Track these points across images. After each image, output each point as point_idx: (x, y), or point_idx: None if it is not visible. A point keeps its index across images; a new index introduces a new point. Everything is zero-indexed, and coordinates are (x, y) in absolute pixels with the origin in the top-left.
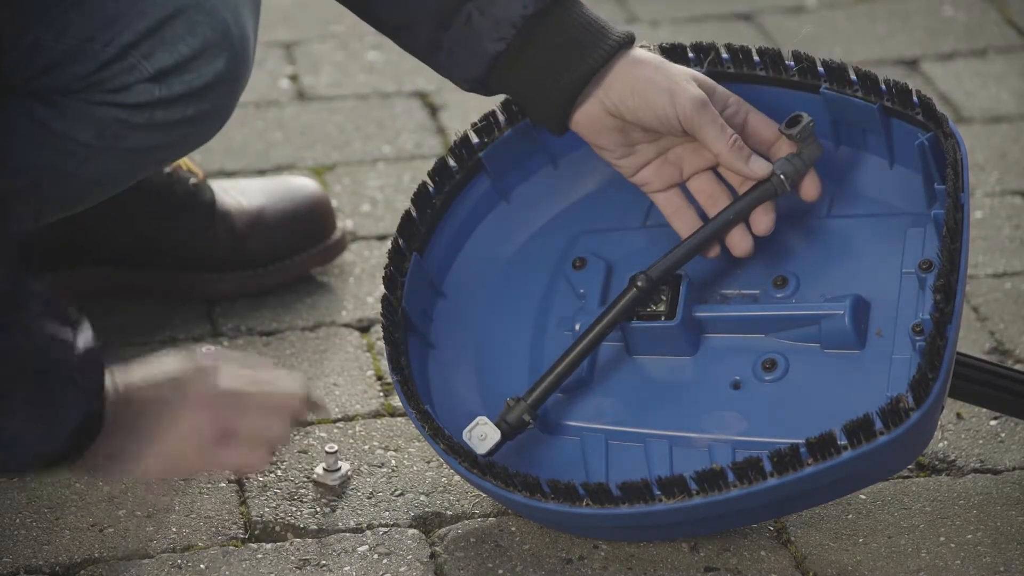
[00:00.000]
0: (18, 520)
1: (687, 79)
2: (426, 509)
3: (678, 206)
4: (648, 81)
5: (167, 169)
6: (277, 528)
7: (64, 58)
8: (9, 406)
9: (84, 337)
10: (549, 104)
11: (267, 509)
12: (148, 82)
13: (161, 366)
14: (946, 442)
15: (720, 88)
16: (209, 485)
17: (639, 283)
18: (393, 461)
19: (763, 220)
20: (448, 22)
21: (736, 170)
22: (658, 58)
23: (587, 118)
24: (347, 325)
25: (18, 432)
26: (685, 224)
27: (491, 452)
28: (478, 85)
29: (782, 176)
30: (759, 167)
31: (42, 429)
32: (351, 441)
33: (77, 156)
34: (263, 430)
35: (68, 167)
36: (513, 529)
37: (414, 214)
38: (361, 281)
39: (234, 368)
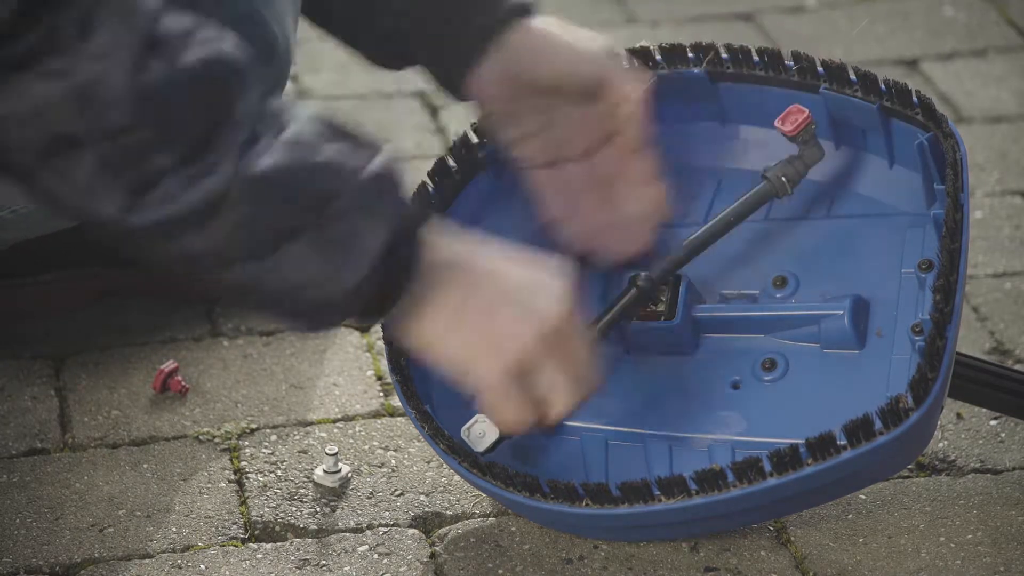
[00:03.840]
0: (18, 520)
1: (591, 38)
2: (426, 509)
3: (553, 184)
4: (552, 38)
5: None
6: (277, 528)
7: None
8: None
9: (378, 159)
10: (450, 68)
11: (267, 509)
12: None
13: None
14: (946, 442)
15: (619, 62)
16: (209, 485)
17: (639, 283)
18: (393, 461)
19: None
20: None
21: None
22: (563, 23)
23: (482, 84)
24: (347, 325)
25: (316, 268)
26: (555, 206)
27: (489, 450)
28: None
29: (783, 178)
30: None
31: (339, 260)
32: (351, 441)
33: None
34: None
35: None
36: (513, 529)
37: None
38: None
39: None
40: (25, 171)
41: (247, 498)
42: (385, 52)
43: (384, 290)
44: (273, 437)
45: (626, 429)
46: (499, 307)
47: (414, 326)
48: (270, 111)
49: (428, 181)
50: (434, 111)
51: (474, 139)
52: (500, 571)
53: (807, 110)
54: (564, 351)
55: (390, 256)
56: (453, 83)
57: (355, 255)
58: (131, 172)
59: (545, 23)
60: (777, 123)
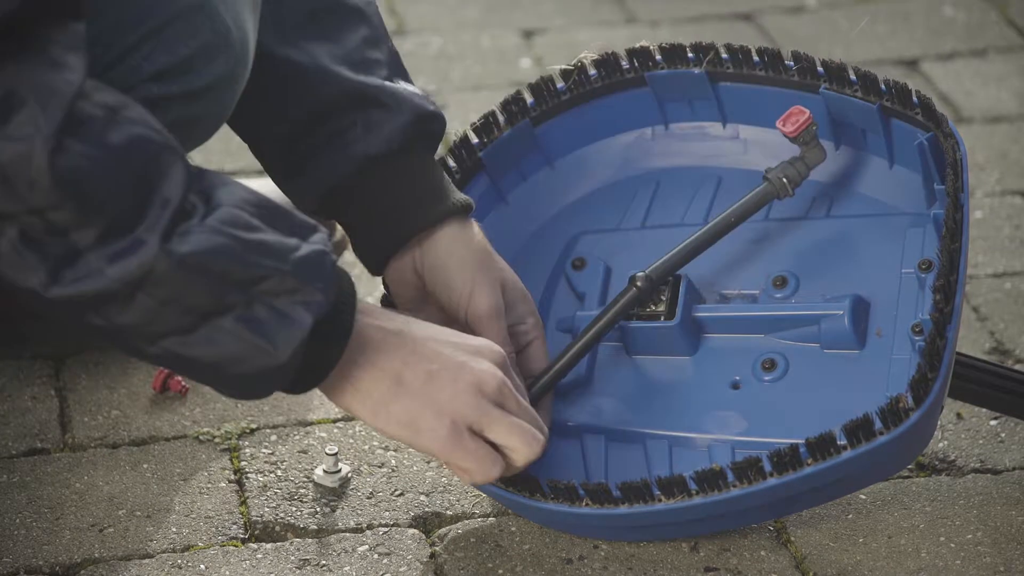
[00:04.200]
0: (18, 520)
1: (494, 282)
2: (426, 509)
3: None
4: (461, 263)
5: None
6: (277, 528)
7: None
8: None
9: (310, 241)
10: (372, 247)
11: (267, 509)
12: (148, 82)
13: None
14: (946, 442)
15: (530, 298)
16: (209, 485)
17: (639, 283)
18: (393, 461)
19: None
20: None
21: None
22: (482, 244)
23: (397, 270)
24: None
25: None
26: None
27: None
28: (313, 207)
29: (784, 179)
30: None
31: (267, 338)
32: (351, 441)
33: None
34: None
35: None
36: (513, 529)
37: None
38: (361, 282)
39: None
40: None
41: (247, 498)
42: (318, 207)
43: (314, 365)
44: (273, 437)
45: (626, 429)
46: (436, 372)
47: (350, 399)
48: (201, 189)
49: None
50: None
51: (474, 139)
52: (500, 571)
53: (808, 111)
54: (508, 405)
55: (318, 335)
56: (369, 261)
57: (283, 335)
58: (52, 247)
59: (468, 239)
60: (779, 124)
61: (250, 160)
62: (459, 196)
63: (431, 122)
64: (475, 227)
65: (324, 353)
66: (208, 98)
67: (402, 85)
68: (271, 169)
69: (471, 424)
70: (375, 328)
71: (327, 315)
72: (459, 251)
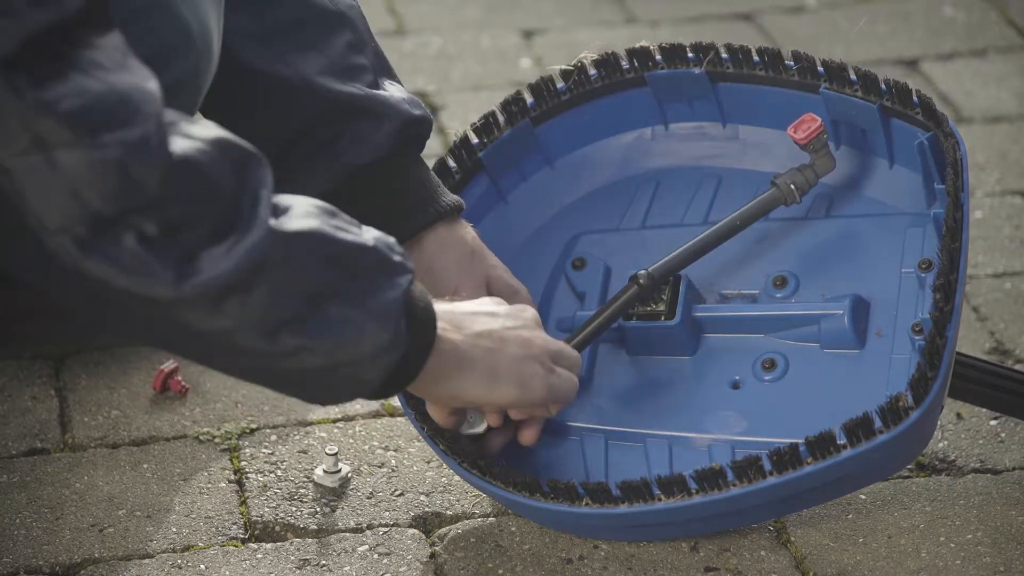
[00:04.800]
0: (18, 520)
1: (478, 280)
2: (426, 509)
3: None
4: (445, 265)
5: None
6: (277, 528)
7: None
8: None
9: (368, 229)
10: None
11: (267, 509)
12: None
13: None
14: (946, 442)
15: (523, 292)
16: (209, 485)
17: (641, 280)
18: (393, 461)
19: (528, 434)
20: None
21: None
22: (468, 244)
23: None
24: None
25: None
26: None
27: (478, 437)
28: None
29: (792, 186)
30: (528, 436)
31: (369, 315)
32: (351, 441)
33: None
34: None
35: None
36: (513, 529)
37: None
38: None
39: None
40: (69, 258)
41: (247, 498)
42: None
43: (415, 338)
44: (273, 437)
45: (626, 429)
46: (510, 331)
47: (456, 378)
48: (274, 185)
49: None
50: (434, 111)
51: (474, 139)
52: (500, 571)
53: (820, 119)
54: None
55: (411, 306)
56: None
57: (386, 305)
58: (171, 248)
59: (458, 239)
60: (790, 131)
61: None
62: (447, 199)
63: (418, 127)
64: (463, 228)
65: (422, 325)
66: (172, 96)
67: (388, 89)
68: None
69: (552, 355)
70: (438, 306)
71: (413, 284)
72: (444, 253)
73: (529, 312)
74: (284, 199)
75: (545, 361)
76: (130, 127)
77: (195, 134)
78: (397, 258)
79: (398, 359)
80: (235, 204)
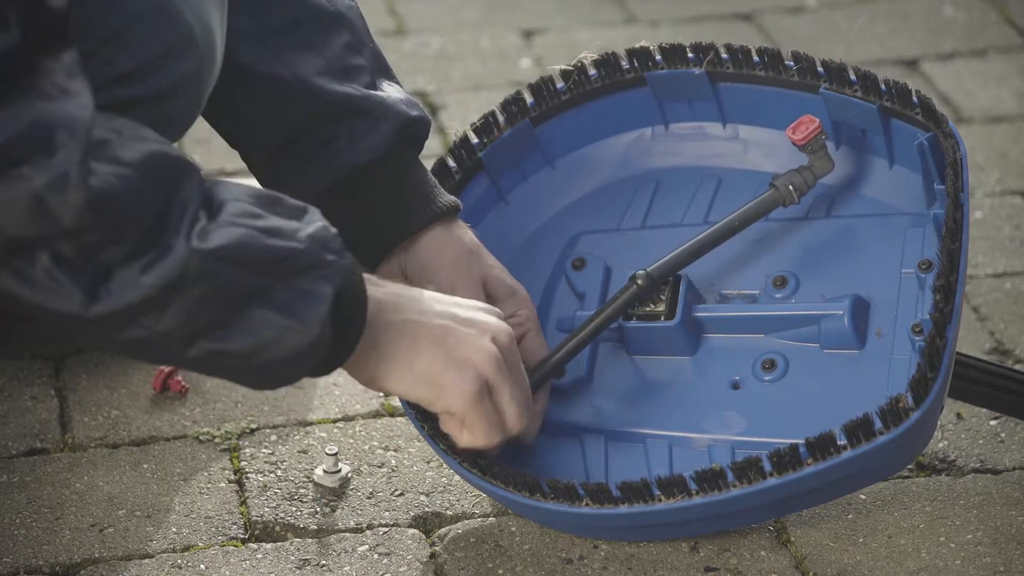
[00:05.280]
0: (18, 520)
1: (475, 280)
2: (426, 509)
3: None
4: (440, 265)
5: None
6: (277, 528)
7: None
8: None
9: (313, 219)
10: (358, 253)
11: (267, 509)
12: (113, 85)
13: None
14: (946, 442)
15: (520, 292)
16: (209, 485)
17: (640, 280)
18: (393, 461)
19: (528, 430)
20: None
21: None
22: (465, 244)
23: (384, 274)
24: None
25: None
26: None
27: None
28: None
29: (791, 187)
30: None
31: (296, 315)
32: (351, 441)
33: None
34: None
35: None
36: (513, 529)
37: None
38: None
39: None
40: None
41: (247, 498)
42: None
43: (341, 337)
44: (273, 437)
45: (626, 429)
46: (451, 327)
47: (374, 366)
48: (206, 191)
49: None
50: (434, 111)
51: (474, 139)
52: (500, 571)
53: (818, 120)
54: (514, 371)
55: (341, 304)
56: (363, 258)
57: (309, 309)
58: (85, 268)
59: (454, 239)
60: (788, 132)
61: None
62: (443, 200)
63: (415, 127)
64: (460, 228)
65: (348, 323)
66: (176, 98)
67: (385, 90)
68: (259, 177)
69: (489, 379)
70: (384, 292)
71: (343, 285)
72: (440, 254)
73: (495, 323)
74: (218, 192)
75: (483, 375)
76: (51, 160)
77: (123, 157)
78: (330, 257)
79: (323, 357)
80: (155, 225)
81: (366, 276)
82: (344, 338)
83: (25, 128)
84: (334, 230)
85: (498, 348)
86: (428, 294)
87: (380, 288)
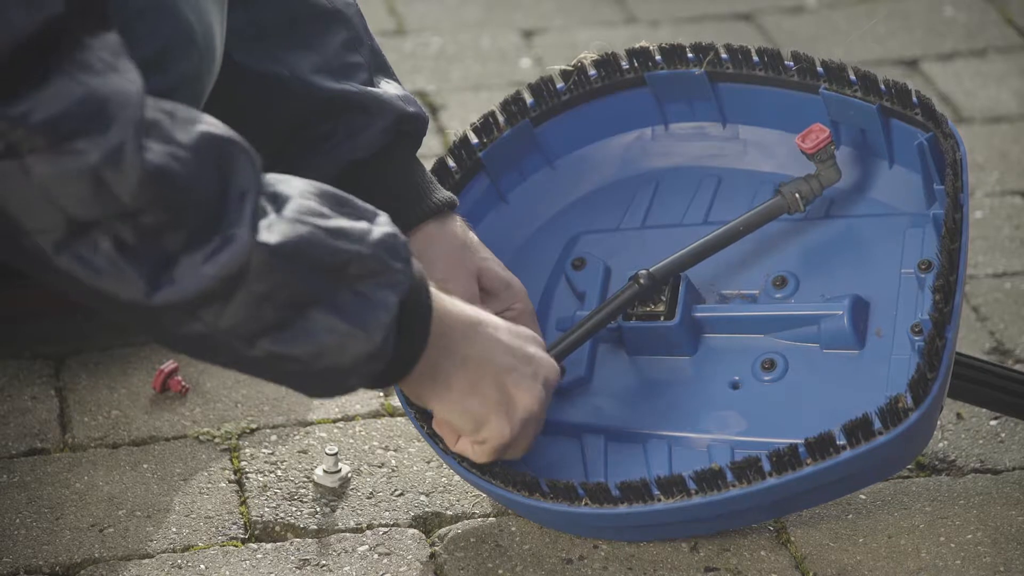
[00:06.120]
0: (18, 520)
1: (469, 274)
2: (426, 509)
3: None
4: (433, 260)
5: None
6: (277, 528)
7: None
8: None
9: (380, 223)
10: None
11: (267, 509)
12: None
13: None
14: (946, 442)
15: (516, 285)
16: (209, 485)
17: (641, 279)
18: (393, 461)
19: None
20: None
21: None
22: (459, 239)
23: None
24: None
25: (334, 334)
26: None
27: None
28: None
29: (797, 195)
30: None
31: (360, 322)
32: (351, 441)
33: None
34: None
35: None
36: (513, 529)
37: None
38: None
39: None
40: (43, 257)
41: (247, 498)
42: None
43: (403, 350)
44: (273, 437)
45: (625, 429)
46: (515, 372)
47: (428, 387)
48: (268, 182)
49: None
50: (434, 111)
51: (474, 139)
52: (500, 571)
53: (828, 130)
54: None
55: (404, 318)
56: None
57: (373, 317)
58: (147, 254)
59: (450, 235)
60: (797, 140)
61: None
62: (439, 195)
63: (411, 123)
64: (455, 223)
65: (412, 337)
66: (175, 97)
67: (382, 87)
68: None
69: (534, 415)
70: (453, 315)
71: (409, 295)
72: (433, 248)
73: (547, 362)
74: (282, 188)
75: (528, 419)
76: (105, 134)
77: (176, 138)
78: (398, 265)
79: (382, 369)
80: (216, 210)
81: (434, 291)
82: (406, 351)
83: (76, 102)
84: (403, 237)
85: (550, 382)
86: (494, 322)
87: (449, 307)
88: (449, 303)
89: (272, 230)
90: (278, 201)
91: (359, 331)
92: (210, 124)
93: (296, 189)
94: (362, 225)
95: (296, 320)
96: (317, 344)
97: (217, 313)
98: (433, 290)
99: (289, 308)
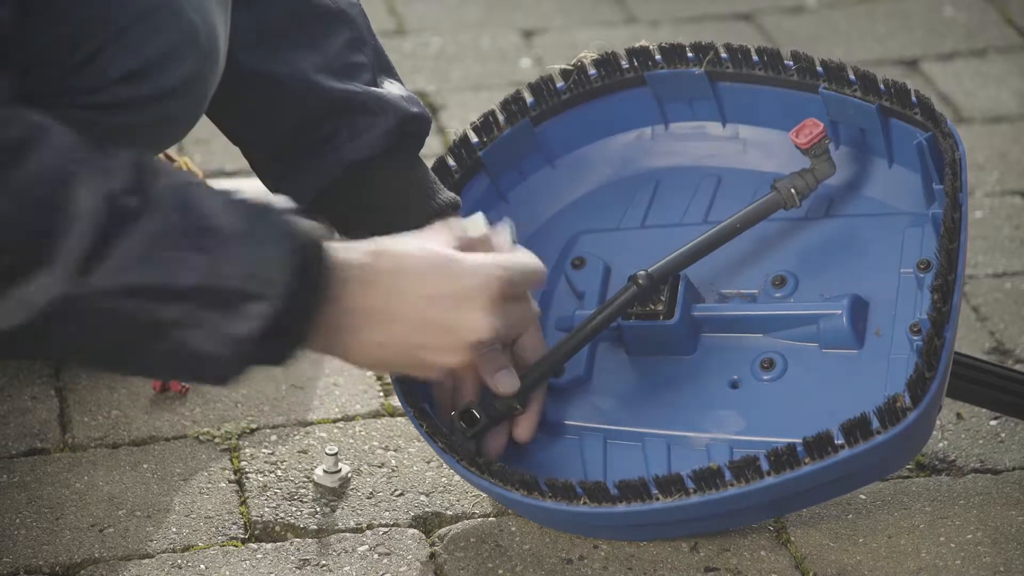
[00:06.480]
0: (18, 520)
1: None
2: (426, 509)
3: None
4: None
5: None
6: (277, 528)
7: (35, 67)
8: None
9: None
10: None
11: (267, 509)
12: (117, 84)
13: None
14: (946, 442)
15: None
16: (209, 485)
17: (640, 280)
18: (393, 461)
19: (522, 430)
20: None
21: (481, 371)
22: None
23: None
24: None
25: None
26: (442, 392)
27: (477, 434)
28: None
29: (792, 190)
30: (503, 383)
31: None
32: (351, 441)
33: None
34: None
35: None
36: (513, 529)
37: None
38: None
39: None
40: None
41: (247, 498)
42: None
43: (294, 321)
44: (273, 437)
45: (624, 428)
46: (421, 348)
47: (342, 341)
48: (117, 209)
49: None
50: (434, 111)
51: (474, 138)
52: (500, 571)
53: (822, 124)
54: (514, 300)
55: (295, 290)
56: None
57: (226, 348)
58: None
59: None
60: (791, 135)
61: None
62: (444, 196)
63: (415, 124)
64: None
65: (304, 303)
66: (179, 98)
67: (386, 87)
68: (260, 174)
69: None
70: (349, 262)
71: (297, 268)
72: None
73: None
74: (126, 217)
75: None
76: None
77: (9, 173)
78: (254, 287)
79: (257, 360)
80: (41, 248)
81: (333, 259)
82: (301, 319)
83: None
84: (281, 202)
85: (493, 294)
86: (398, 246)
87: (342, 253)
88: (343, 250)
89: (102, 272)
90: (136, 217)
91: (218, 352)
92: (65, 152)
93: (175, 181)
94: (238, 228)
95: (133, 351)
96: (164, 369)
97: (39, 347)
98: (329, 247)
99: (121, 343)
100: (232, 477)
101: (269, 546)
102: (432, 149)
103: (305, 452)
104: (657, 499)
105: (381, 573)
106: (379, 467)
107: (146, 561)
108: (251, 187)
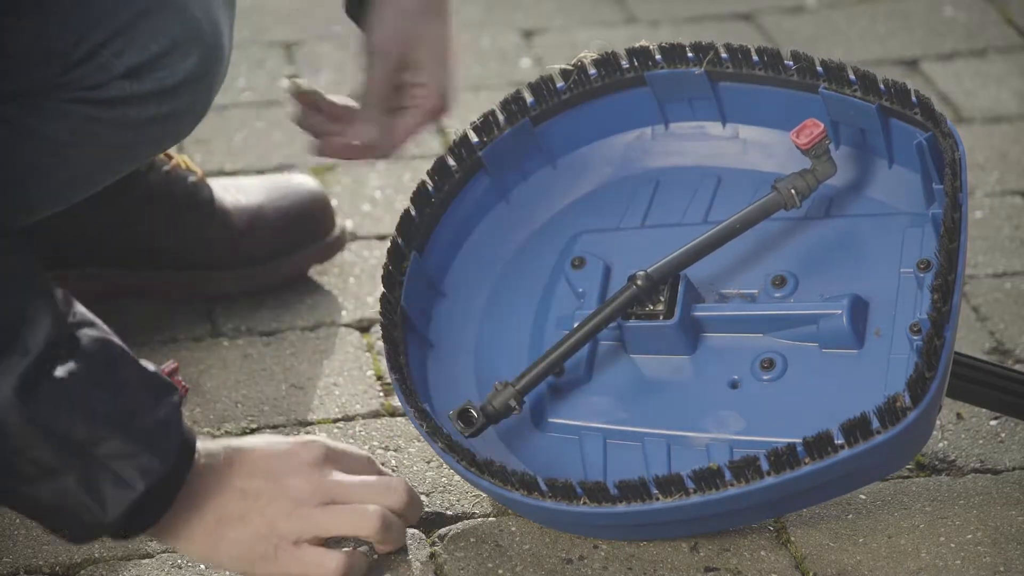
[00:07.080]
0: (18, 520)
1: (409, 29)
2: (426, 509)
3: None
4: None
5: (165, 168)
6: None
7: (37, 60)
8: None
9: (158, 401)
10: None
11: None
12: (120, 79)
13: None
14: (946, 442)
15: (439, 73)
16: None
17: (639, 281)
18: (393, 461)
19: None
20: None
21: None
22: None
23: None
24: (347, 325)
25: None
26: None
27: (474, 434)
28: None
29: (793, 190)
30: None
31: (94, 502)
32: (351, 441)
33: (54, 155)
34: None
35: (45, 166)
36: (513, 529)
37: (413, 213)
38: (361, 281)
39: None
40: None
41: None
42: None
43: (140, 520)
44: None
45: (624, 428)
46: (258, 498)
47: (182, 541)
48: (60, 339)
49: (428, 180)
50: None
51: (474, 138)
52: (500, 571)
53: (823, 124)
54: (344, 464)
55: (149, 495)
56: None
57: (113, 497)
58: None
59: None
60: (792, 135)
61: (250, 160)
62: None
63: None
64: None
65: (150, 510)
66: (183, 94)
67: None
68: None
69: (299, 538)
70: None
71: (161, 478)
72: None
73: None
74: (57, 350)
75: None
76: None
77: None
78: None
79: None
80: None
81: (197, 466)
82: (139, 523)
83: None
84: (179, 421)
85: (302, 494)
86: (241, 456)
87: (203, 470)
88: (204, 468)
89: (36, 395)
90: (64, 359)
91: (96, 506)
92: (16, 276)
93: (88, 349)
94: (139, 400)
95: (42, 479)
96: (56, 503)
97: None
98: (197, 456)
99: (36, 467)
100: None
101: None
102: (432, 149)
103: None
104: (657, 499)
105: (381, 573)
106: None
107: (146, 561)
108: (251, 185)
